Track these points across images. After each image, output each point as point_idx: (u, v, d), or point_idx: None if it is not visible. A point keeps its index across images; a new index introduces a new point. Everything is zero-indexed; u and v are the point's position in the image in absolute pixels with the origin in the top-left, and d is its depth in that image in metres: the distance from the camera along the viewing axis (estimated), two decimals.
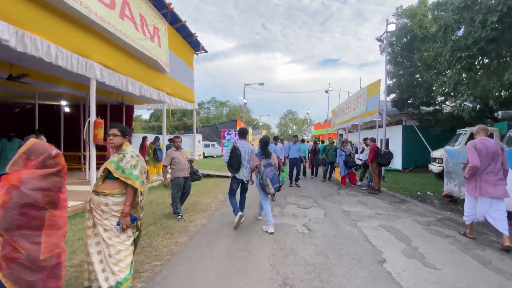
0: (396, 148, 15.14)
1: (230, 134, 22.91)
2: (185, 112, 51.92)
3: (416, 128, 14.15)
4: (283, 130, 75.73)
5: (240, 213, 4.20)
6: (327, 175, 9.60)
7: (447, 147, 8.47)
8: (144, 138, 10.23)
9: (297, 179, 8.38)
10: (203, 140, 28.44)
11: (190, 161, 5.13)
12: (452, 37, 6.48)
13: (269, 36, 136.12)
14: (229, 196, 4.41)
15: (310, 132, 64.35)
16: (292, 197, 6.63)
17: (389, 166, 9.44)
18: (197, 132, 30.06)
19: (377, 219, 4.75)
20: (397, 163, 14.63)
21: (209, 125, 34.06)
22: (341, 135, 28.22)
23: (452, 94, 7.86)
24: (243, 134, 4.57)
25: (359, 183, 8.53)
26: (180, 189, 4.74)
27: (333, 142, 9.93)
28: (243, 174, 4.30)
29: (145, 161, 10.16)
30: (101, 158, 9.00)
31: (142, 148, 9.68)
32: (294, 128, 72.66)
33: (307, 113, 45.13)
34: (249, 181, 4.46)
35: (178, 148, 4.89)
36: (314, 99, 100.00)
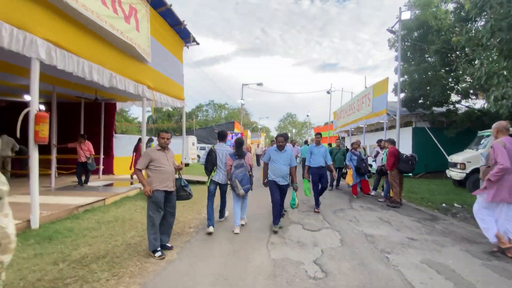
0: (405, 152, 13.85)
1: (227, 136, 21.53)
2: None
3: (428, 130, 12.91)
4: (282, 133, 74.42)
5: (211, 228, 4.10)
6: (334, 183, 8.33)
7: (480, 151, 7.25)
8: (140, 140, 9.13)
9: (317, 203, 5.56)
10: (198, 143, 27.19)
11: (178, 169, 3.55)
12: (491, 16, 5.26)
13: (268, 40, 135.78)
14: (207, 200, 4.34)
15: (310, 136, 63.20)
16: (295, 213, 5.35)
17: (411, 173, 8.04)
18: (192, 135, 28.85)
19: (415, 250, 3.47)
20: None
21: (205, 127, 32.77)
22: (343, 138, 27.07)
23: (483, 87, 6.62)
24: (222, 137, 4.60)
25: (373, 193, 7.26)
26: (160, 210, 3.22)
27: (340, 145, 8.69)
28: (218, 177, 4.33)
29: None
30: (47, 163, 7.49)
31: (137, 150, 8.62)
32: (294, 131, 71.50)
33: (307, 116, 43.86)
34: (227, 184, 4.42)
35: (163, 147, 3.37)
36: (314, 102, 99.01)
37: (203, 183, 9.01)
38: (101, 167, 9.15)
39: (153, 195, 3.14)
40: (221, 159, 4.31)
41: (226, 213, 4.95)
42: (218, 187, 4.39)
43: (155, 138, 8.31)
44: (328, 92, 22.70)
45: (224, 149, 4.40)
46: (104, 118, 9.63)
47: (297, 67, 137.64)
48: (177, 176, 3.56)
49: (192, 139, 19.58)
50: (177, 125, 47.96)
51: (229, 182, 4.28)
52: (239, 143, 4.36)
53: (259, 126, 60.70)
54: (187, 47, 10.40)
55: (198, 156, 23.07)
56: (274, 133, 76.69)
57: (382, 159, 6.92)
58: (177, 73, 9.43)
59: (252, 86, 22.83)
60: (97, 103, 9.26)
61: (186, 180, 3.73)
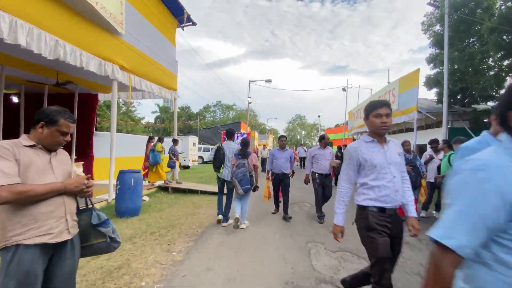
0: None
1: None
2: (191, 115, 49.63)
3: (469, 131, 10.75)
4: (291, 135, 72.39)
5: (220, 216, 4.40)
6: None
7: None
8: (150, 139, 7.92)
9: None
10: (202, 144, 25.56)
11: (81, 191, 1.52)
12: None
13: (278, 42, 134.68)
14: (218, 194, 4.59)
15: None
16: (322, 253, 3.44)
17: None
18: (196, 135, 27.28)
19: None
20: None
21: (210, 127, 31.03)
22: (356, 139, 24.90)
23: None
24: (230, 135, 4.69)
25: (423, 214, 5.24)
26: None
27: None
28: (224, 174, 4.42)
29: (146, 166, 7.54)
30: None
31: (147, 149, 7.79)
32: (303, 133, 69.20)
33: (318, 117, 41.45)
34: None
35: (55, 146, 1.51)
36: (324, 104, 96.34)
37: (202, 192, 7.24)
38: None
39: (9, 260, 1.29)
40: (228, 157, 4.42)
41: (230, 221, 4.45)
42: (225, 184, 4.51)
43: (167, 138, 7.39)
44: (343, 89, 20.60)
45: (232, 147, 4.49)
46: (81, 112, 8.02)
47: (306, 69, 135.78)
48: (84, 203, 1.65)
49: (193, 139, 17.90)
50: (184, 124, 46.78)
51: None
52: (244, 143, 4.34)
53: (267, 128, 58.85)
54: (182, 28, 8.72)
55: (201, 157, 21.42)
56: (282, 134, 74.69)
57: (438, 167, 4.96)
58: (167, 57, 7.74)
59: (260, 83, 21.06)
60: (69, 93, 7.64)
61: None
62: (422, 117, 11.76)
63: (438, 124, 13.28)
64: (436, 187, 5.06)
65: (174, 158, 8.14)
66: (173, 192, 7.26)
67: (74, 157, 7.68)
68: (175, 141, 7.99)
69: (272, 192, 5.24)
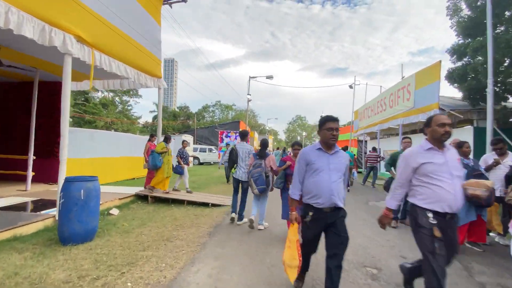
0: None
1: (230, 137, 18.43)
2: (190, 115, 48.20)
3: (499, 131, 9.31)
4: (291, 136, 71.07)
5: (233, 214, 4.52)
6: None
7: None
8: (151, 137, 7.06)
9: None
10: (199, 144, 24.10)
11: None
12: None
13: (278, 44, 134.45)
14: (233, 193, 4.71)
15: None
16: None
17: None
18: (192, 135, 25.81)
19: None
20: None
21: (208, 126, 29.46)
22: (361, 141, 23.43)
23: None
24: (243, 136, 4.80)
25: (498, 239, 3.81)
26: None
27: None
28: (238, 173, 4.55)
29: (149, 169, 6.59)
30: None
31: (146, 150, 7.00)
32: (304, 134, 67.86)
33: (321, 116, 40.00)
34: (247, 181, 4.36)
35: None
36: (326, 105, 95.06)
37: (190, 203, 5.85)
38: (30, 173, 6.09)
39: None
40: (241, 157, 4.56)
41: (245, 219, 4.54)
42: (240, 184, 4.58)
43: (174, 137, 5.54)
44: (350, 87, 19.17)
45: (245, 148, 4.61)
46: (42, 102, 6.63)
47: (306, 71, 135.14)
48: None
49: (187, 138, 16.47)
50: (183, 124, 45.32)
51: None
52: (263, 144, 4.40)
53: (267, 128, 57.51)
54: (170, 5, 7.34)
55: (197, 158, 20.01)
56: (282, 136, 73.44)
57: (507, 177, 3.58)
58: (150, 37, 6.36)
59: (261, 79, 19.69)
60: (28, 82, 6.26)
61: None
62: (444, 115, 10.36)
63: (461, 124, 11.93)
64: (503, 203, 3.68)
65: (182, 163, 6.89)
66: (153, 202, 5.87)
67: (32, 156, 6.28)
68: (167, 139, 6.64)
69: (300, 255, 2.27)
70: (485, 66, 7.59)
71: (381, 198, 7.70)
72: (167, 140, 6.51)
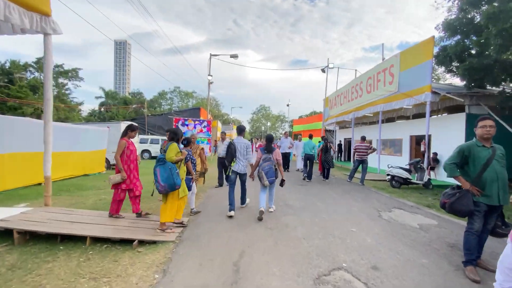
0: (452, 150, 9.24)
1: (187, 125, 15.44)
2: (143, 102, 42.77)
3: (496, 118, 8.13)
4: (255, 126, 69.34)
5: (232, 212, 4.57)
6: None
7: None
8: (129, 128, 4.67)
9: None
10: (150, 134, 20.56)
11: None
12: None
13: (241, 32, 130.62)
14: (229, 188, 4.75)
15: (283, 129, 58.65)
16: None
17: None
18: (143, 123, 22.04)
19: None
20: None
21: (160, 114, 25.30)
22: (329, 131, 22.27)
23: None
24: (240, 131, 4.97)
25: None
26: None
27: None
28: (237, 167, 4.73)
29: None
30: None
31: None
32: (268, 124, 66.56)
33: (287, 105, 38.47)
34: (246, 173, 4.81)
35: None
36: (290, 96, 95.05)
37: (95, 240, 3.20)
38: None
39: None
40: (239, 151, 4.72)
41: (248, 200, 5.25)
42: (238, 176, 4.80)
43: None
44: (323, 70, 17.43)
45: (242, 142, 4.79)
46: None
47: (268, 61, 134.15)
48: None
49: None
50: (136, 112, 40.01)
51: (257, 174, 4.66)
52: (269, 139, 4.80)
53: (231, 118, 54.75)
54: None
55: (148, 151, 16.73)
56: (246, 126, 71.44)
57: None
58: None
59: (224, 58, 16.98)
60: None
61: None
62: (436, 100, 9.03)
63: (453, 109, 10.82)
64: None
65: (193, 173, 4.39)
66: (23, 242, 3.11)
67: None
68: (189, 142, 4.44)
69: None
70: (504, 33, 6.12)
71: (389, 203, 5.87)
72: (186, 142, 4.19)
